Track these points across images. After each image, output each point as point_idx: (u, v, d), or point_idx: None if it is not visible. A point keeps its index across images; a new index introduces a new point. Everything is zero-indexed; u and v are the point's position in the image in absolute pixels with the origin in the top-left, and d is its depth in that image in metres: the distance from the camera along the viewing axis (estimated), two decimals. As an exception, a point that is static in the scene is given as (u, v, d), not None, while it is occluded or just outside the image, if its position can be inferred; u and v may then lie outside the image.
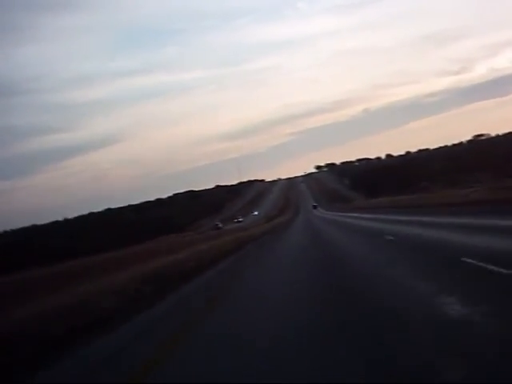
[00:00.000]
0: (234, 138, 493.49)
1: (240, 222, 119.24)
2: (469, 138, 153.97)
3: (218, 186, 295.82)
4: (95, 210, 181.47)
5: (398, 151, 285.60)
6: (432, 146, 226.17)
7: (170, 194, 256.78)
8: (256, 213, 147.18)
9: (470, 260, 11.43)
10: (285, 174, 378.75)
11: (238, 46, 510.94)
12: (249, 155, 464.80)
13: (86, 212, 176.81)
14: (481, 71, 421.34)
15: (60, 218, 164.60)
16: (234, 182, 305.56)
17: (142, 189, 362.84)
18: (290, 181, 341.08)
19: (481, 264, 10.68)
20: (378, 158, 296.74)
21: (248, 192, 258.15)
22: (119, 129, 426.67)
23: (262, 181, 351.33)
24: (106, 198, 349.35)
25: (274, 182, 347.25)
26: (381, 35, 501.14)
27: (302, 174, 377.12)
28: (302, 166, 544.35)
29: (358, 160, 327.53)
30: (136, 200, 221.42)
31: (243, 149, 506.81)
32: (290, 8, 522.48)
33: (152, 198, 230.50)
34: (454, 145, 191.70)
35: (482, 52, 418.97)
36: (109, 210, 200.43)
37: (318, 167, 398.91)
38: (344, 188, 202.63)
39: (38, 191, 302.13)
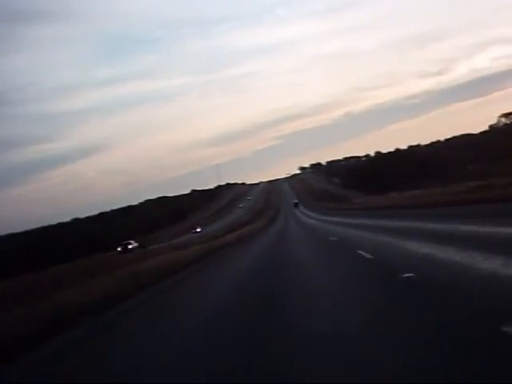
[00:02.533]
0: (218, 143, 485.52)
1: (128, 250, 75.51)
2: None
3: (193, 191, 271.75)
4: (64, 220, 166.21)
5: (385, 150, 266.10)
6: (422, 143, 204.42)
7: (142, 201, 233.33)
8: (199, 229, 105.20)
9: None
10: (269, 178, 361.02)
11: (218, 52, 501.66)
12: (233, 160, 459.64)
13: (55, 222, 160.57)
14: (461, 72, 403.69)
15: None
16: (212, 186, 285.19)
17: (124, 197, 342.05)
18: (272, 183, 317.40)
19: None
20: (367, 156, 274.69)
21: (224, 196, 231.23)
22: (103, 138, 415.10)
23: (243, 184, 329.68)
24: (87, 206, 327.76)
25: (255, 185, 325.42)
26: (360, 39, 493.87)
27: (285, 175, 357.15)
28: (286, 169, 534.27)
29: (346, 158, 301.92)
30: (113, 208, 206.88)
31: (227, 154, 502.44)
32: (269, 14, 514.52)
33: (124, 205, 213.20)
34: (447, 139, 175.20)
35: (462, 52, 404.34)
36: (76, 219, 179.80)
37: (302, 168, 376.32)
38: (335, 187, 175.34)
39: (20, 201, 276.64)
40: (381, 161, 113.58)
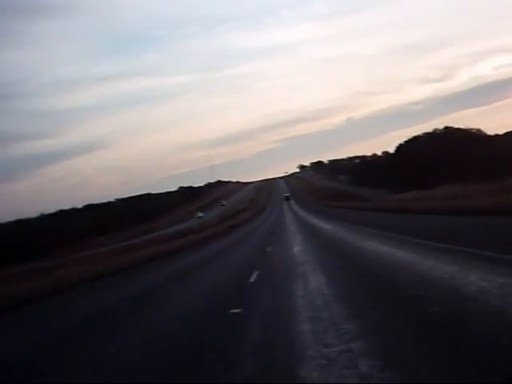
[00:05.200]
0: (219, 144, 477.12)
1: None
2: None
3: (181, 188, 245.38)
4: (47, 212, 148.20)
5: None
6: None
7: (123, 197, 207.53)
8: None
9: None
10: (265, 177, 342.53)
11: (220, 52, 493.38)
12: (234, 161, 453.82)
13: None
14: (463, 79, 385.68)
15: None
16: (201, 184, 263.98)
17: (119, 194, 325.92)
18: (267, 182, 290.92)
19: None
20: (374, 155, 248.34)
21: (209, 194, 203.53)
22: (102, 135, 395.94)
23: (237, 182, 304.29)
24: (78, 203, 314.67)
25: (247, 183, 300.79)
26: (363, 44, 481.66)
27: (283, 174, 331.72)
28: (286, 169, 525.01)
29: (350, 158, 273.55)
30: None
31: (228, 155, 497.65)
32: (273, 15, 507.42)
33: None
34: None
35: (464, 60, 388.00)
36: (61, 211, 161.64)
37: (302, 167, 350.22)
38: (342, 184, 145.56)
39: (18, 196, 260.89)
40: (410, 152, 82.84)
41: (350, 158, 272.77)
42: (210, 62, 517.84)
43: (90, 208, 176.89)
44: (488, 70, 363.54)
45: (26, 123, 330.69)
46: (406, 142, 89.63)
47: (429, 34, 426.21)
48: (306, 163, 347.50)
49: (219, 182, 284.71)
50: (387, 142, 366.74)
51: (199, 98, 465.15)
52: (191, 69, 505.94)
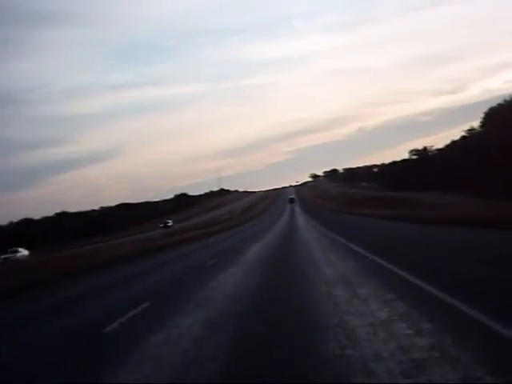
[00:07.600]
0: (229, 155, 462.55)
1: None
2: None
3: (176, 196, 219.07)
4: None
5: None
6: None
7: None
8: None
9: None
10: (274, 186, 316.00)
11: (233, 62, 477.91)
12: (244, 173, 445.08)
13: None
14: (474, 92, 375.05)
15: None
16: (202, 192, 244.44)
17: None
18: (276, 191, 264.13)
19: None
20: (394, 163, 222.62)
21: (201, 205, 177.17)
22: (113, 143, 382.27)
23: (244, 192, 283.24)
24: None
25: (254, 192, 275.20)
26: (376, 55, 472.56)
27: (294, 183, 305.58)
28: (298, 180, 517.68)
29: (367, 167, 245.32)
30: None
31: (239, 166, 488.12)
32: (285, 26, 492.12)
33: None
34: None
35: (476, 73, 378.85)
36: (27, 220, 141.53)
37: (315, 176, 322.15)
38: (371, 191, 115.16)
39: (30, 204, 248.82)
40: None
41: (366, 167, 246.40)
42: (221, 72, 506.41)
43: (63, 216, 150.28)
44: (499, 83, 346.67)
45: (36, 131, 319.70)
46: (487, 113, 56.65)
47: (440, 47, 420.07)
48: (319, 172, 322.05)
49: (222, 191, 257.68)
50: (399, 153, 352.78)
51: (210, 108, 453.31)
52: (202, 78, 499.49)
